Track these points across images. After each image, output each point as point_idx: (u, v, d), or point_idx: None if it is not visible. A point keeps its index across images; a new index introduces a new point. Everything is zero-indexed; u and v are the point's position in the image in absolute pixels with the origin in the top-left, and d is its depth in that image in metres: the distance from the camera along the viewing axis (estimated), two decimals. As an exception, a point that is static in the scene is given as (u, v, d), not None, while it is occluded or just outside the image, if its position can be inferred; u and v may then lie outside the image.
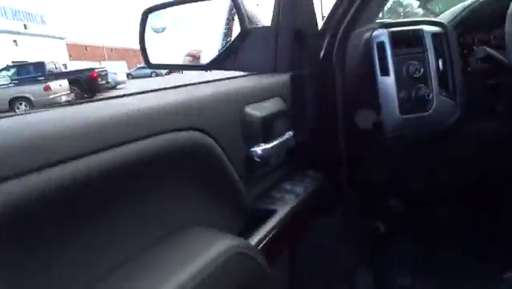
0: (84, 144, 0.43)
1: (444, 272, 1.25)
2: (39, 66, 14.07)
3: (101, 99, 0.64)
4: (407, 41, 0.97)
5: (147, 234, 0.55)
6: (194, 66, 1.14)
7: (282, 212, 0.78)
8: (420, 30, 0.97)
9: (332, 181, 1.04)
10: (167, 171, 0.58)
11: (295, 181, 0.92)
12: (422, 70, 0.95)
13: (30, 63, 15.03)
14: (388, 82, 0.96)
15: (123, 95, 0.69)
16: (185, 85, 0.79)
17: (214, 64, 1.05)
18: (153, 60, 1.06)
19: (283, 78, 0.92)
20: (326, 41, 1.03)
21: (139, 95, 0.67)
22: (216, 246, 0.55)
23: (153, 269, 0.49)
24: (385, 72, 0.96)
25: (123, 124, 0.49)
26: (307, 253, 0.99)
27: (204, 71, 1.18)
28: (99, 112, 0.49)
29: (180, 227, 0.59)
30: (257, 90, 0.82)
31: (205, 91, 0.71)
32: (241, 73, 1.03)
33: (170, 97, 0.62)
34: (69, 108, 0.55)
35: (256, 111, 0.77)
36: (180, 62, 1.14)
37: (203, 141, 0.63)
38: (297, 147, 0.91)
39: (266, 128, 0.80)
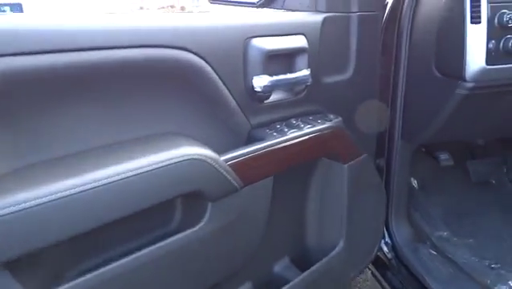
0: (73, 40, 0.57)
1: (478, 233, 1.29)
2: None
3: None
4: None
5: (128, 128, 0.67)
6: (245, 2, 1.29)
7: (268, 141, 0.81)
8: None
9: (364, 128, 1.04)
10: (151, 81, 0.69)
11: (308, 120, 0.92)
12: None
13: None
14: (478, 30, 0.92)
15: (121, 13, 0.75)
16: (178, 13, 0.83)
17: (264, 2, 1.09)
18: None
19: (314, 18, 0.91)
20: None
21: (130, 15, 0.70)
22: (176, 151, 0.65)
23: (116, 152, 0.63)
24: (476, 20, 0.91)
25: (110, 31, 0.61)
26: (315, 193, 1.00)
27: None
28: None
29: (162, 131, 0.71)
30: (270, 25, 0.85)
31: (202, 19, 0.75)
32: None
33: (160, 19, 0.69)
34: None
35: (263, 44, 0.80)
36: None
37: (194, 62, 0.71)
38: (316, 87, 0.92)
39: (272, 61, 0.82)
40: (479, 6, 0.91)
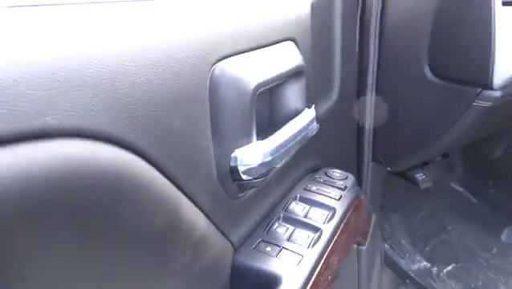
0: None
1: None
2: None
3: None
4: None
5: None
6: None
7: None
8: None
9: None
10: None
11: (312, 194, 0.58)
12: None
13: None
14: None
15: None
16: None
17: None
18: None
19: (302, 5, 0.53)
20: None
21: None
22: None
23: None
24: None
25: None
26: None
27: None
28: None
29: None
30: (243, 31, 0.41)
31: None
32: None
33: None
34: None
35: (243, 71, 0.38)
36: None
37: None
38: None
39: (265, 108, 0.47)
40: None
